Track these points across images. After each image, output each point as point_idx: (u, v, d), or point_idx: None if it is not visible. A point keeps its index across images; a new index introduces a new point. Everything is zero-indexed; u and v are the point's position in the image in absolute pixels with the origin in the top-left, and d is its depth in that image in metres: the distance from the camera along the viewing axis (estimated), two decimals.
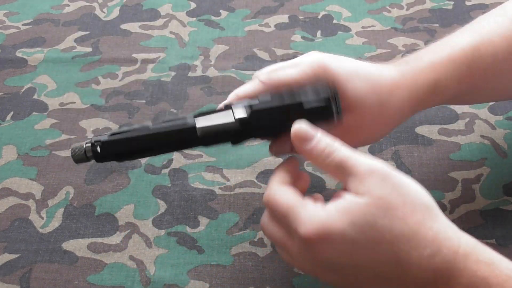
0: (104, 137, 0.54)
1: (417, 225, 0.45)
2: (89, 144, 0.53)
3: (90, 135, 0.75)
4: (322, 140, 0.49)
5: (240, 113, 0.52)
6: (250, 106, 0.52)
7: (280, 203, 0.48)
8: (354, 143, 0.55)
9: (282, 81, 0.55)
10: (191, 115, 0.53)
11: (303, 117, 0.51)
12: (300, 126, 0.50)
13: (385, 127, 0.59)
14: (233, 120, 0.52)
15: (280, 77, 0.55)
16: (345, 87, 0.54)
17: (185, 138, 0.53)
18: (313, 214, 0.46)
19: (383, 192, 0.46)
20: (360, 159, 0.48)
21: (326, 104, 0.52)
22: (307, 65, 0.55)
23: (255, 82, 0.56)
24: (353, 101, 0.55)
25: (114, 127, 0.76)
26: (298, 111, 0.52)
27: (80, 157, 0.54)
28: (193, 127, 0.52)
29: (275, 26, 0.88)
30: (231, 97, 0.56)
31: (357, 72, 0.55)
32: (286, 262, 0.53)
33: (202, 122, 0.51)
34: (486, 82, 0.60)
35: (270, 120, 0.52)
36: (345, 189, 0.48)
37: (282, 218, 0.48)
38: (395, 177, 0.47)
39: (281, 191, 0.49)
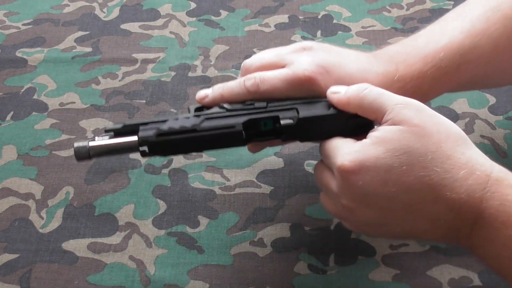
0: (151, 137, 0.53)
1: (451, 150, 0.47)
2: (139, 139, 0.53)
3: (90, 135, 0.75)
4: (354, 85, 0.53)
5: (287, 121, 0.54)
6: (296, 117, 0.54)
7: (328, 145, 0.52)
8: None
9: (268, 96, 0.56)
10: (237, 121, 0.54)
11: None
12: (334, 86, 0.54)
13: None
14: (274, 127, 0.55)
15: (266, 90, 0.56)
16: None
17: (234, 142, 0.55)
18: (350, 147, 0.50)
19: (418, 120, 0.48)
20: (393, 95, 0.50)
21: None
22: (295, 78, 0.56)
23: (242, 88, 0.57)
24: None
25: None
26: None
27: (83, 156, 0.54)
28: (241, 132, 0.54)
29: (275, 26, 0.88)
30: (215, 95, 0.58)
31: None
32: (328, 211, 0.54)
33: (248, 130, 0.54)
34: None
35: (311, 130, 0.54)
36: (381, 123, 0.50)
37: (327, 159, 0.52)
38: (429, 110, 0.49)
39: (329, 140, 0.53)
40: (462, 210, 0.47)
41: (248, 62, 0.60)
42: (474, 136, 0.73)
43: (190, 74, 0.82)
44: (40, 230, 0.66)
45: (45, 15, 0.91)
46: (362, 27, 0.88)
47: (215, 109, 0.56)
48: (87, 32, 0.88)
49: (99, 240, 0.65)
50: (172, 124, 0.54)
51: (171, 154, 0.56)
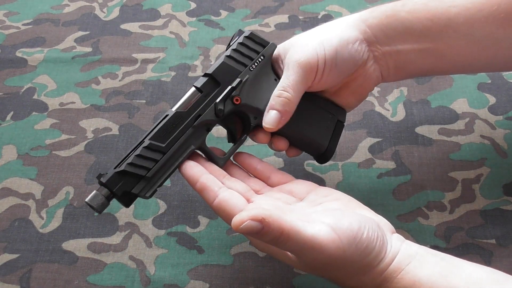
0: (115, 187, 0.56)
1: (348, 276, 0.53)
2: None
3: (90, 135, 0.75)
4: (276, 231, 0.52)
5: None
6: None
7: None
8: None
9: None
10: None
11: None
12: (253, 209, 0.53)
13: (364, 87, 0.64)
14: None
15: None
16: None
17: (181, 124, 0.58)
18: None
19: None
20: (306, 231, 0.51)
21: None
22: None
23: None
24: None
25: (114, 127, 0.76)
26: None
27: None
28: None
29: (275, 26, 0.88)
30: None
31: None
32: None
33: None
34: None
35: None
36: None
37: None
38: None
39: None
40: None
41: None
42: (474, 136, 0.73)
43: (190, 74, 0.82)
44: (40, 230, 0.66)
45: (45, 15, 0.91)
46: None
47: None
48: (87, 32, 0.88)
49: (99, 240, 0.65)
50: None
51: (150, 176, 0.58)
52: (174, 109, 0.58)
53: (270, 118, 0.58)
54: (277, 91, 0.58)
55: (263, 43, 0.62)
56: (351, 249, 0.50)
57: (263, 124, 0.58)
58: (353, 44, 0.60)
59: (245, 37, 0.61)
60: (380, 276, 0.52)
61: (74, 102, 0.79)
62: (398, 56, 0.61)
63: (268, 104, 0.59)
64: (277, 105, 0.58)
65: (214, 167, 0.58)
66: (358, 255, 0.51)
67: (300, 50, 0.59)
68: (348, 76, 0.61)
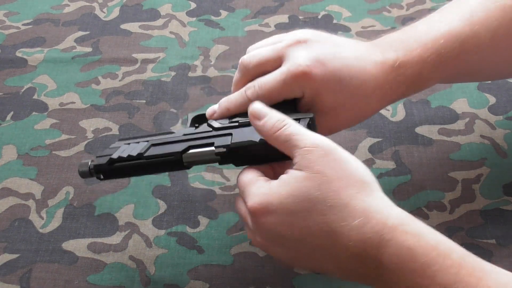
0: (104, 165, 0.59)
1: (349, 198, 0.48)
2: (92, 167, 0.59)
3: (90, 135, 0.75)
4: (274, 117, 0.52)
5: (220, 149, 0.56)
6: (228, 145, 0.56)
7: (240, 181, 0.53)
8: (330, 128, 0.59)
9: (268, 97, 0.57)
10: (177, 149, 0.57)
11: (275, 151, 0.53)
12: (254, 105, 0.54)
13: (362, 118, 0.61)
14: (214, 154, 0.56)
15: (266, 95, 0.57)
16: (325, 97, 0.57)
17: (175, 167, 0.58)
18: (258, 188, 0.51)
19: (321, 166, 0.48)
20: (306, 135, 0.50)
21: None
22: (290, 76, 0.56)
23: (244, 98, 0.58)
24: (331, 107, 0.58)
25: (114, 127, 0.76)
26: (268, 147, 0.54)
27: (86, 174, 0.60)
28: (179, 160, 0.57)
29: (275, 26, 0.88)
30: (222, 110, 0.59)
31: (340, 80, 0.56)
32: (252, 244, 0.55)
33: (188, 157, 0.57)
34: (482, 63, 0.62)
35: (244, 156, 0.56)
36: (293, 164, 0.50)
37: (242, 195, 0.53)
38: (336, 153, 0.49)
39: (244, 172, 0.54)
40: (362, 257, 0.48)
41: (246, 59, 0.60)
42: (474, 136, 0.73)
43: (190, 74, 0.82)
44: (40, 230, 0.66)
45: (45, 15, 0.91)
46: (362, 27, 0.88)
47: (204, 127, 0.58)
48: (87, 32, 0.88)
49: (99, 240, 0.65)
50: (122, 152, 0.58)
51: (124, 177, 0.62)
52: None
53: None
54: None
55: None
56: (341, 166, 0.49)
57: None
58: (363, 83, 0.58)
59: None
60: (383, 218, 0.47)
61: (74, 102, 0.79)
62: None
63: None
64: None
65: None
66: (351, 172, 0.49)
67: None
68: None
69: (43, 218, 0.67)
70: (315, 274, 0.62)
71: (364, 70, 0.57)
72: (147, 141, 0.59)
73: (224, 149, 0.55)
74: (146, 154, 0.57)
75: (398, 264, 0.46)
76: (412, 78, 0.58)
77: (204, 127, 0.58)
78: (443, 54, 0.58)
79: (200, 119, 0.60)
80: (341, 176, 0.48)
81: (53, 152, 0.73)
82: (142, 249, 0.64)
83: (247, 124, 0.56)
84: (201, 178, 0.70)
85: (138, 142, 0.59)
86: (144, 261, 0.63)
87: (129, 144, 0.59)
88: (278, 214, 0.49)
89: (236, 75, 0.61)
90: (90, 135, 0.75)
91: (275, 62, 0.58)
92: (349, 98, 0.57)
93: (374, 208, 0.48)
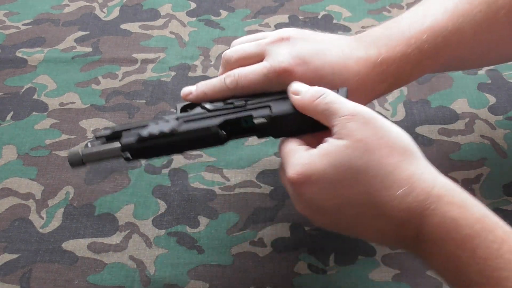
0: (133, 144, 0.55)
1: (392, 167, 0.47)
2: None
3: (90, 135, 0.75)
4: (312, 88, 0.53)
5: (260, 119, 0.55)
6: (269, 116, 0.55)
7: (283, 150, 0.53)
8: None
9: (248, 91, 0.57)
10: (213, 123, 0.55)
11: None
12: (294, 83, 0.54)
13: None
14: (254, 124, 0.55)
15: (245, 86, 0.57)
16: None
17: (212, 142, 0.56)
18: (298, 158, 0.50)
19: (362, 134, 0.48)
20: (345, 103, 0.50)
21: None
22: (272, 71, 0.56)
23: (223, 85, 0.58)
24: None
25: None
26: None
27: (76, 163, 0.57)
28: (217, 133, 0.55)
29: (275, 26, 0.88)
30: (198, 92, 0.59)
31: (321, 77, 0.56)
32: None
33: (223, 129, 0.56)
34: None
35: (284, 127, 0.55)
36: (332, 133, 0.50)
37: (283, 164, 0.53)
38: (377, 121, 0.49)
39: (285, 141, 0.53)
40: (404, 226, 0.48)
41: (228, 54, 0.60)
42: (474, 136, 0.73)
43: (190, 74, 0.82)
44: (40, 230, 0.66)
45: (45, 15, 0.91)
46: (362, 27, 0.88)
47: (197, 110, 0.57)
48: (87, 32, 0.88)
49: (99, 240, 0.65)
50: (152, 129, 0.56)
51: (153, 157, 0.57)
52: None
53: None
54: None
55: None
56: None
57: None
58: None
59: None
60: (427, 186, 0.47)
61: (74, 102, 0.79)
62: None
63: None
64: None
65: None
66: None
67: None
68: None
69: (43, 218, 0.67)
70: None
71: (346, 67, 0.57)
72: (177, 118, 0.56)
73: (265, 119, 0.54)
74: (179, 130, 0.55)
75: (441, 235, 0.45)
76: (395, 74, 0.58)
77: (198, 109, 0.57)
78: (426, 50, 0.58)
79: (186, 109, 0.59)
80: (383, 144, 0.48)
81: (53, 152, 0.73)
82: (142, 249, 0.64)
83: (267, 102, 0.56)
84: (201, 178, 0.70)
85: (167, 121, 0.56)
86: (144, 261, 0.63)
87: (157, 123, 0.56)
88: (319, 184, 0.49)
89: (220, 69, 0.61)
90: (90, 135, 0.75)
91: (257, 58, 0.58)
92: None
93: (419, 176, 0.47)
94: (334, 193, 0.49)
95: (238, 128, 0.56)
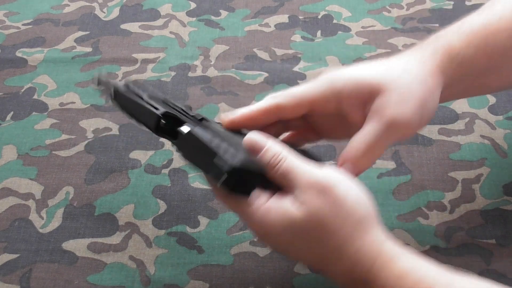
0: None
1: (342, 240, 0.49)
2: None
3: (90, 135, 0.75)
4: (271, 150, 0.52)
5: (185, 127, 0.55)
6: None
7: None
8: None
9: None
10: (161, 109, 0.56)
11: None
12: (251, 136, 0.53)
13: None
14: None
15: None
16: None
17: (148, 120, 0.57)
18: (258, 206, 0.51)
19: (316, 206, 0.49)
20: (304, 170, 0.50)
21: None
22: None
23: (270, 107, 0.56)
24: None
25: (114, 127, 0.76)
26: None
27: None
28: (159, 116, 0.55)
29: (275, 26, 0.88)
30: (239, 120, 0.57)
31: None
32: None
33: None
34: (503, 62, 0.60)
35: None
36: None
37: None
38: (333, 190, 0.49)
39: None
40: None
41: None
42: (474, 136, 0.73)
43: (190, 74, 0.82)
44: (40, 230, 0.66)
45: (45, 15, 0.91)
46: (362, 27, 0.88)
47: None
48: (87, 32, 0.88)
49: (99, 240, 0.65)
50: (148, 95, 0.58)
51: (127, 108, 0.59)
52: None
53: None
54: (364, 145, 0.53)
55: None
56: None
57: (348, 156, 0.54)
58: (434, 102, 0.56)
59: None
60: (373, 247, 0.49)
61: (74, 102, 0.79)
62: (442, 98, 0.58)
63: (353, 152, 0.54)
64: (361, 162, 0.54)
65: None
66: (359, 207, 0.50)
67: (400, 106, 0.53)
68: None
69: (43, 218, 0.67)
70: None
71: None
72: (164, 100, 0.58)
73: (188, 129, 0.53)
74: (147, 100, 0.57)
75: None
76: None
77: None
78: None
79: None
80: (337, 216, 0.49)
81: (53, 152, 0.73)
82: (142, 249, 0.64)
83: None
84: (201, 178, 0.70)
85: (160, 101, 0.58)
86: (144, 261, 0.63)
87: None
88: (276, 238, 0.51)
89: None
90: (90, 135, 0.75)
91: None
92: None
93: (365, 250, 0.49)
94: (288, 248, 0.51)
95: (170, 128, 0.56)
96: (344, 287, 0.51)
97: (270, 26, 0.88)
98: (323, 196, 0.49)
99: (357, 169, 0.54)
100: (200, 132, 0.53)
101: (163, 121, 0.55)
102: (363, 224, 0.50)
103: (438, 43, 0.58)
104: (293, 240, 0.50)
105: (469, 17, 0.60)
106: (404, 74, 0.55)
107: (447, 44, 0.57)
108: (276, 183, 0.52)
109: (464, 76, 0.57)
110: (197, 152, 0.53)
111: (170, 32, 0.88)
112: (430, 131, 0.74)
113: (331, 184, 0.50)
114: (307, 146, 0.61)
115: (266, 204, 0.51)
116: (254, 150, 0.52)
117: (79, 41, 0.87)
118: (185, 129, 0.54)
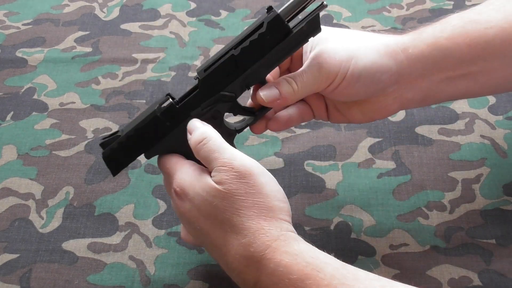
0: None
1: (247, 218, 0.52)
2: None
3: (90, 135, 0.75)
4: (198, 131, 0.56)
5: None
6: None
7: (170, 160, 0.58)
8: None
9: None
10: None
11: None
12: (193, 120, 0.57)
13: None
14: None
15: None
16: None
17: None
18: (185, 173, 0.55)
19: (230, 187, 0.52)
20: (224, 153, 0.54)
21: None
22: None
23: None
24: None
25: (114, 127, 0.76)
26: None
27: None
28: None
29: None
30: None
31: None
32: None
33: None
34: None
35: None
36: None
37: (169, 173, 0.58)
38: (251, 177, 0.53)
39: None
40: (244, 272, 0.52)
41: None
42: (474, 136, 0.73)
43: (190, 74, 0.82)
44: (40, 230, 0.66)
45: (45, 15, 0.91)
46: (362, 27, 0.88)
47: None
48: (87, 32, 0.88)
49: (99, 240, 0.65)
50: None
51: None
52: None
53: (270, 93, 0.57)
54: (288, 77, 0.58)
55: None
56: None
57: (260, 92, 0.58)
58: (381, 74, 0.58)
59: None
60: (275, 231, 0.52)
61: (74, 102, 0.79)
62: (428, 87, 0.60)
63: (274, 80, 0.59)
64: (283, 87, 0.57)
65: None
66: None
67: (327, 53, 0.58)
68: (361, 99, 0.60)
69: (43, 218, 0.67)
70: None
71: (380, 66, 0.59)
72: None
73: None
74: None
75: (274, 281, 0.50)
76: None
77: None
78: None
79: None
80: (248, 197, 0.52)
81: (53, 152, 0.73)
82: (142, 249, 0.64)
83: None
84: None
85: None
86: (144, 261, 0.63)
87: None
88: (191, 204, 0.54)
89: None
90: (90, 135, 0.75)
91: None
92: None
93: (265, 230, 0.52)
94: (199, 217, 0.54)
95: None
96: (233, 271, 0.53)
97: None
98: (239, 179, 0.52)
99: (284, 100, 0.58)
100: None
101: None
102: (275, 212, 0.53)
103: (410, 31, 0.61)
104: (206, 212, 0.53)
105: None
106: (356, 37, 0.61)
107: (419, 29, 0.60)
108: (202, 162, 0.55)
109: (443, 60, 0.59)
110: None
111: (170, 32, 0.88)
112: (430, 131, 0.74)
113: (251, 171, 0.53)
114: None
115: (194, 172, 0.55)
116: (189, 131, 0.57)
117: (79, 41, 0.87)
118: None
